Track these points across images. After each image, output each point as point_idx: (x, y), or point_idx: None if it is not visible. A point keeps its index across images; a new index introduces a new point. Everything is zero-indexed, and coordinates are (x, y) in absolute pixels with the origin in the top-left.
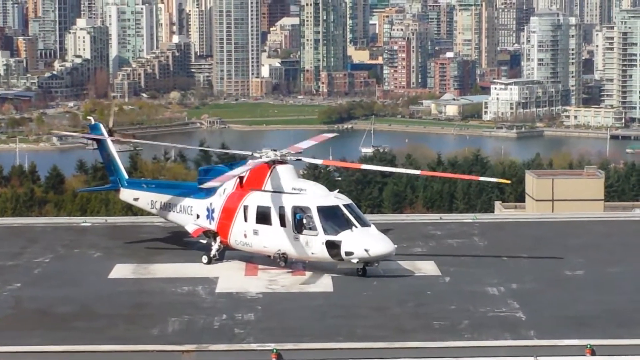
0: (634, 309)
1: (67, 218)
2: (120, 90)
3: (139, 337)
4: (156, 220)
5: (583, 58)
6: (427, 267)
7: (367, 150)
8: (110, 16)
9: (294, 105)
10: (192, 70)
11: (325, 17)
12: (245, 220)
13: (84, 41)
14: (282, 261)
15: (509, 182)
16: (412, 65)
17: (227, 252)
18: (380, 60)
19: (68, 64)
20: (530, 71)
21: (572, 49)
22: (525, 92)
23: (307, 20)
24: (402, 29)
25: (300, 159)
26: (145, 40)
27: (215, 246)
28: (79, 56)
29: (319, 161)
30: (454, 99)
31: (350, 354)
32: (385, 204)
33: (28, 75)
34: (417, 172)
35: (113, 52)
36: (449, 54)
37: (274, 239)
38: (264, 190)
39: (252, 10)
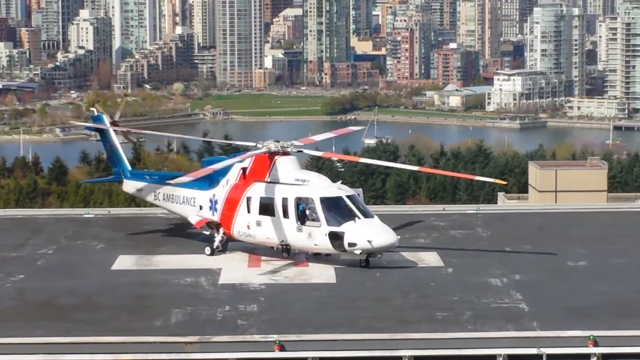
0: (637, 299)
1: (70, 209)
2: (123, 81)
3: (141, 329)
4: (159, 212)
5: (586, 49)
6: (430, 258)
7: (370, 141)
8: (113, 7)
9: (297, 96)
10: (195, 61)
11: (328, 8)
12: (249, 211)
13: (87, 32)
14: (285, 252)
15: (504, 183)
16: (415, 56)
17: (230, 244)
18: (383, 51)
19: (71, 55)
20: (533, 62)
21: (576, 40)
22: (528, 83)
23: (310, 11)
24: (405, 20)
25: (301, 151)
26: (148, 31)
27: (218, 237)
28: (82, 47)
29: (319, 153)
30: (457, 90)
31: (353, 345)
32: (389, 195)
33: (31, 66)
34: (415, 168)
35: (116, 43)
36: (452, 45)
37: (277, 230)
38: (267, 182)
39: (255, 1)
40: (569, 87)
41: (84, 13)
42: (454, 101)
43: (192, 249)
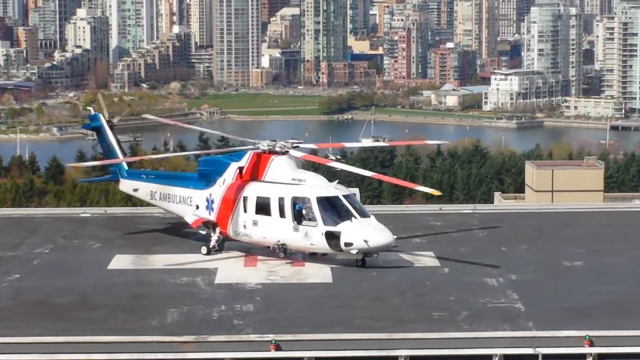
0: (633, 299)
1: (67, 209)
2: (120, 80)
3: (138, 328)
4: (156, 211)
5: (583, 48)
6: (427, 258)
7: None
8: (110, 6)
9: (294, 95)
10: (192, 60)
11: (325, 7)
12: (245, 211)
13: (84, 31)
14: (281, 252)
15: (439, 193)
16: (412, 55)
17: (226, 243)
18: (380, 51)
19: (68, 54)
20: (530, 61)
21: (573, 40)
22: (525, 82)
23: (308, 11)
24: (402, 19)
25: (287, 151)
26: (145, 30)
27: (214, 237)
28: (79, 46)
29: (299, 154)
30: (454, 90)
31: (349, 344)
32: (385, 195)
33: (28, 65)
34: (370, 173)
35: (113, 42)
36: (449, 44)
37: (273, 229)
38: (264, 181)
39: (252, 0)
40: (566, 87)
41: (81, 12)
42: (451, 101)
43: (189, 248)
